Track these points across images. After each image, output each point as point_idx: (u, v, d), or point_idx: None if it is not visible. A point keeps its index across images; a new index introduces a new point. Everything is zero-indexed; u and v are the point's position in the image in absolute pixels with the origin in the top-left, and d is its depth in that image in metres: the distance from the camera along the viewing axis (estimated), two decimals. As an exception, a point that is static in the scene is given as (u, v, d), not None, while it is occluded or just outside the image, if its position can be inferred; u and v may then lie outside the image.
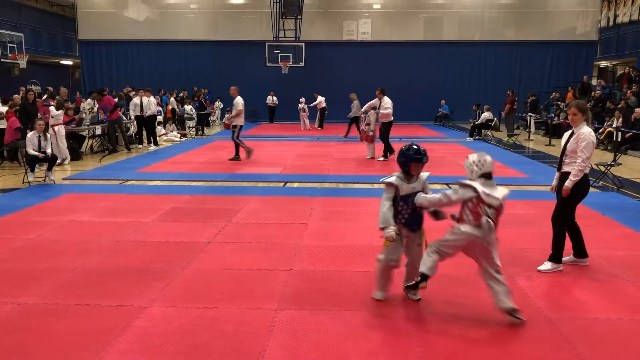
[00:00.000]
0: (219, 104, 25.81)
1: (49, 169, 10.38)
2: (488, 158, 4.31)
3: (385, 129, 13.57)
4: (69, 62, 28.45)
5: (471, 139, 19.49)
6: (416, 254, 4.59)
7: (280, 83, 25.91)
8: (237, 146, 13.41)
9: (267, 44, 25.05)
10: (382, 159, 13.55)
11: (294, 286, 5.05)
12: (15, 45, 20.69)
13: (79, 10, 26.96)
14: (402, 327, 4.21)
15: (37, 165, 10.55)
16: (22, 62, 21.07)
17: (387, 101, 13.40)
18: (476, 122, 20.25)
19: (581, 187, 5.48)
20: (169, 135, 18.79)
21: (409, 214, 4.55)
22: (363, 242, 6.46)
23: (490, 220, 4.19)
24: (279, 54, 25.07)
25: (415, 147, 4.55)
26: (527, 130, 21.02)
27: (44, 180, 10.32)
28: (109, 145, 14.91)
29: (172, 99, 21.69)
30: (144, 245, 6.36)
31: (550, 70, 26.57)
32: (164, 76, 26.14)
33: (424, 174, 4.63)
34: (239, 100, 13.20)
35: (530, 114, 21.35)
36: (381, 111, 13.32)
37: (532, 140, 19.53)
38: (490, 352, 3.83)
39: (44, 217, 7.61)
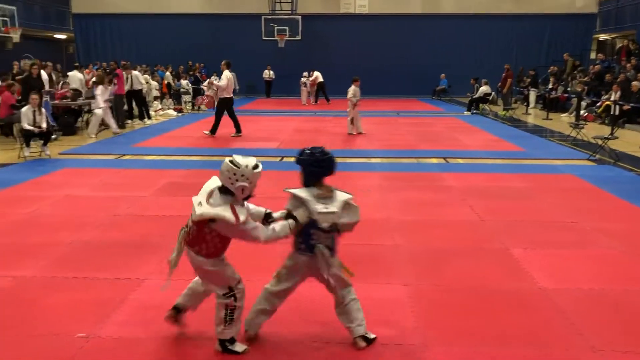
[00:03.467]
0: (215, 79, 25.60)
1: (45, 143, 10.32)
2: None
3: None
4: (63, 36, 28.07)
5: (469, 113, 19.42)
6: None
7: (277, 57, 25.64)
8: (236, 121, 13.27)
9: (263, 17, 24.74)
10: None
11: (290, 259, 5.06)
12: (8, 19, 20.36)
13: (72, -18, 26.57)
14: (397, 296, 4.23)
15: (32, 140, 10.49)
16: (16, 36, 20.75)
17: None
18: (474, 96, 20.16)
19: None
20: (165, 110, 18.68)
21: None
22: (361, 216, 6.44)
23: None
24: (276, 27, 24.78)
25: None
26: (526, 104, 20.95)
27: (40, 155, 10.27)
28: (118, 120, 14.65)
29: (167, 73, 21.52)
30: (140, 219, 6.36)
31: (550, 43, 26.33)
32: (159, 50, 25.82)
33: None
34: (225, 74, 12.94)
35: (533, 89, 21.24)
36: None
37: (530, 114, 19.47)
38: (484, 324, 3.87)
39: (40, 192, 7.59)
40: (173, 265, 3.42)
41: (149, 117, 16.19)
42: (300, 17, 24.76)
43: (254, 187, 3.23)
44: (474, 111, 19.61)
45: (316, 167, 3.39)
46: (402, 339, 3.64)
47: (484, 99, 19.81)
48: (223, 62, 13.13)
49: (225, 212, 3.11)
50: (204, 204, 3.18)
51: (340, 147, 11.79)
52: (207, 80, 12.63)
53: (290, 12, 24.89)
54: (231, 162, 3.15)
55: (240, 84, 22.82)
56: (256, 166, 3.18)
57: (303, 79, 22.82)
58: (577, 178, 8.64)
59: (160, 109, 18.44)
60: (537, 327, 3.82)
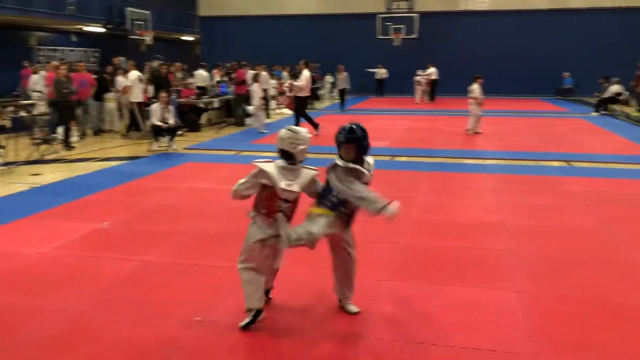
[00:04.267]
0: (329, 78, 25.99)
1: (171, 139, 11.08)
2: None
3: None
4: (190, 38, 29.90)
5: (597, 114, 18.12)
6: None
7: (391, 56, 25.51)
8: (310, 120, 13.27)
9: (378, 15, 24.72)
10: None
11: (399, 259, 5.05)
12: (142, 23, 22.09)
13: (200, -13, 28.28)
14: (507, 302, 4.08)
15: (160, 136, 11.29)
16: (149, 39, 22.46)
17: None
18: (603, 96, 18.76)
19: None
20: (282, 109, 19.27)
21: None
22: (472, 219, 6.30)
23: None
24: (391, 26, 24.66)
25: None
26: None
27: (167, 149, 11.04)
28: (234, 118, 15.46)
29: (285, 73, 22.14)
30: (254, 213, 6.63)
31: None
32: (276, 50, 26.72)
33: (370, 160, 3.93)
34: (304, 74, 13.12)
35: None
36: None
37: (668, 116, 17.78)
38: (604, 339, 3.61)
39: (166, 184, 8.18)
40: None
41: (268, 116, 16.81)
42: (417, 14, 24.45)
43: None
44: (603, 112, 18.25)
45: (367, 140, 3.71)
46: (511, 347, 3.50)
47: (615, 99, 18.37)
48: (302, 62, 13.41)
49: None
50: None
51: (455, 147, 11.53)
52: (288, 82, 13.01)
53: (407, 9, 24.65)
54: (290, 129, 3.70)
55: (353, 83, 22.99)
56: (308, 132, 3.77)
57: (417, 77, 22.50)
58: None
59: (276, 107, 19.08)
60: None
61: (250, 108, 13.81)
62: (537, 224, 6.15)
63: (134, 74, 13.20)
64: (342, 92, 20.22)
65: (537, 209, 6.71)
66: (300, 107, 13.40)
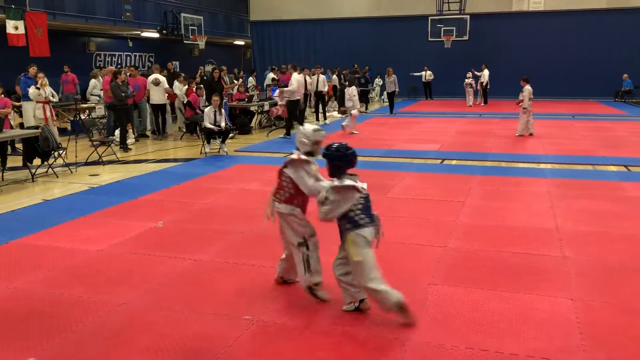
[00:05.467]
0: (378, 81, 25.89)
1: (223, 141, 11.31)
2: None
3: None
4: (241, 42, 30.41)
5: (658, 117, 17.39)
6: None
7: (441, 58, 25.18)
8: (297, 122, 13.42)
9: (429, 17, 24.48)
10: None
11: (448, 263, 5.00)
12: (195, 28, 22.64)
13: (251, -8, 28.70)
14: (561, 310, 3.97)
15: (212, 138, 11.55)
16: (202, 43, 22.97)
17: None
18: (665, 98, 17.99)
19: None
20: (330, 112, 19.35)
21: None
22: (524, 223, 6.16)
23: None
24: (442, 28, 24.37)
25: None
26: None
27: (219, 151, 11.27)
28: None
29: (334, 76, 22.20)
30: (304, 214, 6.70)
31: None
32: (327, 53, 26.85)
33: None
34: (294, 77, 13.43)
35: None
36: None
37: None
38: None
39: (217, 185, 8.35)
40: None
41: (325, 118, 17.08)
42: (468, 16, 24.07)
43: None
44: (665, 115, 17.48)
45: (340, 160, 3.89)
46: (565, 356, 3.40)
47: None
48: (290, 65, 13.58)
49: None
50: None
51: (507, 150, 11.30)
52: (278, 91, 13.07)
53: (458, 11, 24.30)
54: (301, 132, 4.21)
55: (403, 86, 22.83)
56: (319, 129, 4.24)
57: (468, 80, 22.12)
58: None
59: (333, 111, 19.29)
60: None
61: (353, 112, 14.20)
62: (595, 231, 5.96)
63: (158, 77, 13.66)
64: (391, 96, 19.93)
65: (594, 215, 6.50)
66: (292, 111, 13.76)
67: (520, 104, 13.11)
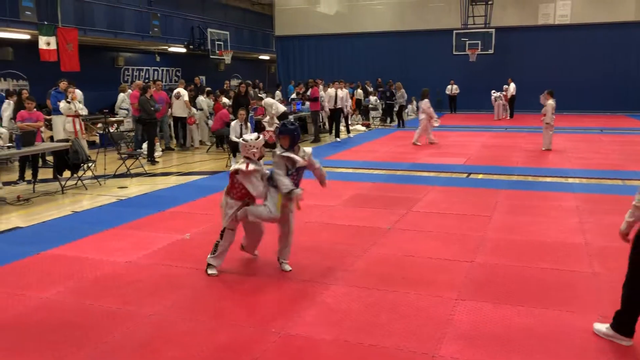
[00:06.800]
0: (413, 107, 25.77)
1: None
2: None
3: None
4: (266, 57, 30.73)
5: (689, 131, 17.02)
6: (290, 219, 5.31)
7: (466, 72, 25.06)
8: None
9: (454, 31, 24.44)
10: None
11: (475, 278, 4.95)
12: (222, 43, 22.96)
13: (276, 7, 28.96)
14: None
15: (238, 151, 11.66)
16: (227, 58, 23.29)
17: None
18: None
19: None
20: (354, 126, 19.38)
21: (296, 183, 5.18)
22: (553, 239, 6.07)
23: None
24: (467, 42, 24.30)
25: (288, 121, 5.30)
26: None
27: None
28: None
29: (359, 90, 22.25)
30: (329, 227, 6.71)
31: None
32: (351, 68, 26.95)
33: (307, 149, 5.18)
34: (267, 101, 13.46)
35: None
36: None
37: None
38: None
39: (243, 198, 8.39)
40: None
41: (348, 132, 16.86)
42: (493, 30, 23.98)
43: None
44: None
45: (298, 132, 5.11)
46: (598, 375, 3.34)
47: None
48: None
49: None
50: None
51: (534, 164, 11.18)
52: (267, 117, 12.87)
53: (483, 25, 24.23)
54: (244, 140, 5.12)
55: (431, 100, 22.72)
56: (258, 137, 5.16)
57: (494, 94, 21.96)
58: None
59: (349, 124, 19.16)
60: None
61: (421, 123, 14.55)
62: (625, 246, 5.81)
63: (179, 90, 14.12)
64: (400, 110, 19.70)
65: (624, 231, 6.37)
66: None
67: (542, 119, 12.96)
